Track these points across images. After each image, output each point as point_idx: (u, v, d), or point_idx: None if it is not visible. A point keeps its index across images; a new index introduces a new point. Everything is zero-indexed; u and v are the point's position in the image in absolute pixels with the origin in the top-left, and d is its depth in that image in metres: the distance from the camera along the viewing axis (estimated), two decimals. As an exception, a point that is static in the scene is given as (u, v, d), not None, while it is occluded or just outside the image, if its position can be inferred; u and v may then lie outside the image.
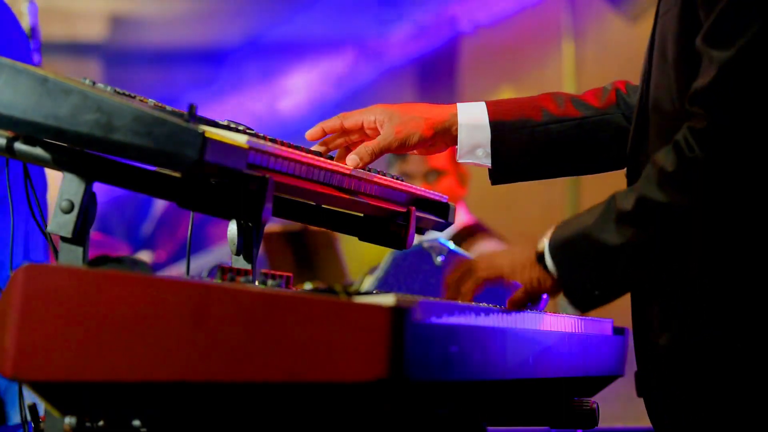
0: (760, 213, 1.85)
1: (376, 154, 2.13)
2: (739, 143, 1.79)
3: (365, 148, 2.13)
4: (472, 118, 2.21)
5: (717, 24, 1.81)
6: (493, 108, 2.22)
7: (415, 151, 2.22)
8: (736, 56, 1.79)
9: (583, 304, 1.90)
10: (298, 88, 8.84)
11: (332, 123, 2.19)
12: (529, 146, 2.21)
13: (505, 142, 2.20)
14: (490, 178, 2.25)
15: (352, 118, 2.18)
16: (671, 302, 1.93)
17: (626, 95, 2.23)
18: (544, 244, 1.90)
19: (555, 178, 2.33)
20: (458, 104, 2.22)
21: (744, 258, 1.88)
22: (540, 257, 1.91)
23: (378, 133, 2.17)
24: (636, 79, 2.30)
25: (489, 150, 2.21)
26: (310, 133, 2.19)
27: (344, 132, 2.19)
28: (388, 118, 2.16)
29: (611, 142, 2.20)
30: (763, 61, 1.78)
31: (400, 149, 2.17)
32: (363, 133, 2.19)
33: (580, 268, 1.87)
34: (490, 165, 2.22)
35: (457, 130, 2.20)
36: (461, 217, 5.02)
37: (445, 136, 2.21)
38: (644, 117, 1.99)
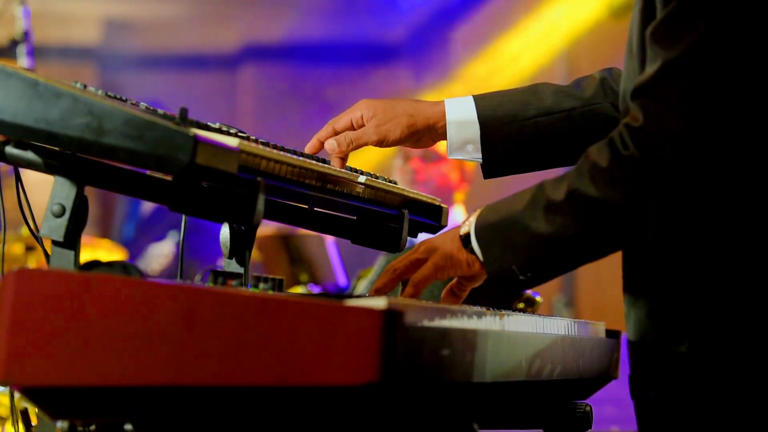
0: (695, 210, 1.85)
1: (353, 146, 2.15)
2: (675, 143, 1.78)
3: (345, 136, 2.15)
4: (460, 115, 2.21)
5: (667, 20, 1.80)
6: (480, 103, 2.22)
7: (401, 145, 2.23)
8: (679, 56, 1.78)
9: (509, 287, 1.91)
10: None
11: (325, 132, 2.21)
12: (518, 140, 2.21)
13: (495, 137, 2.21)
14: (483, 172, 2.26)
15: (341, 121, 2.19)
16: (658, 305, 1.94)
17: (614, 83, 2.23)
18: (470, 226, 1.90)
19: (548, 169, 2.33)
20: (446, 100, 2.23)
21: (693, 257, 1.89)
22: (465, 240, 1.91)
23: None
24: None
25: (479, 145, 2.21)
26: (308, 148, 2.21)
27: (338, 135, 2.20)
28: (372, 114, 2.18)
29: (600, 132, 2.20)
30: (705, 64, 1.77)
31: (379, 145, 2.18)
32: (354, 133, 2.19)
33: (507, 252, 1.88)
34: (481, 160, 2.22)
35: (443, 126, 2.21)
36: (456, 218, 5.02)
37: (431, 133, 2.22)
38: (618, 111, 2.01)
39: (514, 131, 2.21)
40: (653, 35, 1.82)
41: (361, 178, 2.09)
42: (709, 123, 1.78)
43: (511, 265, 1.87)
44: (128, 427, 1.57)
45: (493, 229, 1.89)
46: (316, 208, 2.21)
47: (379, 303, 1.47)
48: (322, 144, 2.20)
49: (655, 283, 1.94)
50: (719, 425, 1.88)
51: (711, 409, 1.88)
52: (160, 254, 7.34)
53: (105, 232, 8.30)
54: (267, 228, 5.46)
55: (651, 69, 1.81)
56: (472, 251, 1.91)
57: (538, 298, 3.17)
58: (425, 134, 2.22)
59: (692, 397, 1.90)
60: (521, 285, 1.90)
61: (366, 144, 2.17)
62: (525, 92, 2.24)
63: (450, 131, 2.21)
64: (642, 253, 1.97)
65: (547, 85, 2.25)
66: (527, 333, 1.95)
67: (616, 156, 1.81)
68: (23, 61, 4.82)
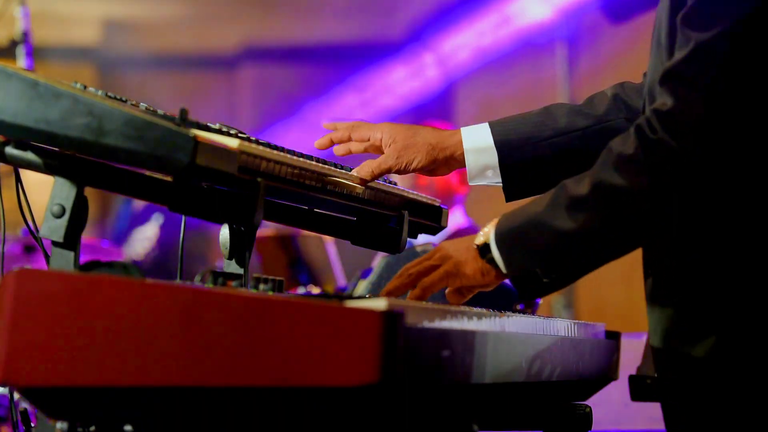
0: (722, 201, 1.83)
1: (376, 175, 2.17)
2: (704, 126, 1.76)
3: (368, 167, 2.17)
4: (477, 142, 2.23)
5: (699, 4, 1.79)
6: (496, 128, 2.24)
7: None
8: (713, 39, 1.77)
9: (530, 293, 1.90)
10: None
11: (340, 135, 2.24)
12: (536, 162, 2.22)
13: (512, 161, 2.22)
14: (505, 195, 2.27)
15: (360, 131, 2.22)
16: (682, 301, 1.92)
17: (627, 97, 2.23)
18: (489, 235, 1.91)
19: None
20: (462, 129, 2.25)
21: (718, 251, 1.87)
22: (482, 250, 1.91)
23: (380, 151, 2.22)
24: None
25: (498, 170, 2.23)
26: (318, 143, 2.23)
27: (351, 141, 2.23)
28: (392, 140, 2.21)
29: None
30: (738, 47, 1.76)
31: (397, 172, 2.21)
32: (368, 146, 2.23)
33: (530, 254, 1.87)
34: (501, 184, 2.24)
35: (462, 155, 2.23)
36: (456, 220, 5.02)
37: (449, 162, 2.24)
38: (645, 106, 1.99)
39: (531, 153, 2.22)
40: (684, 19, 1.81)
41: (362, 180, 2.10)
42: (741, 107, 1.76)
43: (535, 268, 1.86)
44: (128, 427, 1.57)
45: (514, 234, 1.89)
46: (315, 209, 2.21)
47: (379, 304, 1.47)
48: (332, 143, 2.24)
49: (678, 278, 1.92)
50: (747, 424, 1.87)
51: (738, 407, 1.87)
52: (143, 237, 7.31)
53: (101, 233, 8.31)
54: (267, 229, 5.47)
55: (681, 53, 1.79)
56: (489, 260, 1.91)
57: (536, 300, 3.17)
58: (443, 164, 2.24)
59: (719, 396, 1.88)
60: (545, 289, 1.88)
61: (388, 171, 2.20)
62: (539, 114, 2.25)
63: (468, 159, 2.23)
64: (664, 248, 1.95)
65: (561, 105, 2.27)
66: (527, 334, 1.95)
67: (643, 141, 1.79)
68: (23, 61, 4.82)
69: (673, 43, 1.86)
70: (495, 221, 1.92)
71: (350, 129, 2.23)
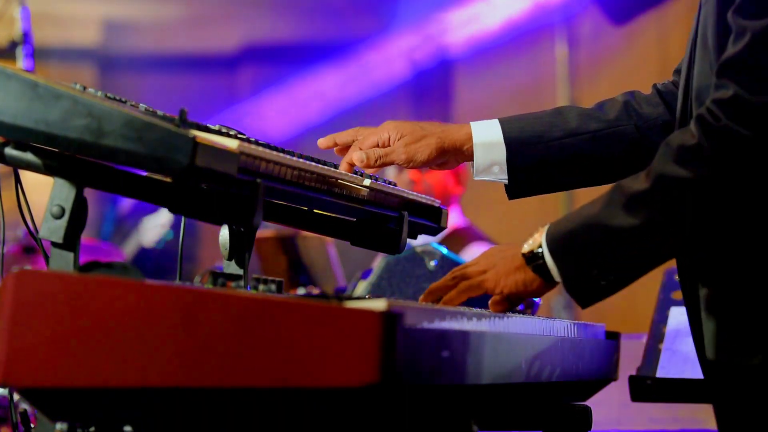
0: None
1: (380, 162, 2.18)
2: None
3: (374, 152, 2.18)
4: (487, 137, 2.23)
5: None
6: (506, 125, 2.24)
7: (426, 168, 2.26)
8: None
9: (587, 297, 1.87)
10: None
11: (345, 138, 2.25)
12: (544, 161, 2.22)
13: (521, 159, 2.22)
14: (507, 193, 2.27)
15: (367, 141, 2.22)
16: (729, 316, 1.89)
17: (637, 105, 2.24)
18: (538, 242, 1.90)
19: (572, 189, 2.35)
20: (472, 123, 2.25)
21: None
22: (530, 258, 1.90)
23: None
24: (630, 88, 2.31)
25: (505, 167, 2.22)
26: (322, 142, 2.23)
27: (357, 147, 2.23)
28: (399, 135, 2.21)
29: (624, 154, 2.21)
30: None
31: (405, 165, 2.22)
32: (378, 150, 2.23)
33: (586, 258, 1.84)
34: (506, 181, 2.24)
35: (470, 149, 2.24)
36: (453, 220, 5.02)
37: (458, 155, 2.25)
38: (686, 109, 1.97)
39: (540, 152, 2.22)
40: (737, 12, 1.79)
41: (366, 182, 2.10)
42: None
43: (592, 270, 1.83)
44: (128, 428, 1.57)
45: (567, 238, 1.86)
46: (315, 210, 2.21)
47: (379, 305, 1.47)
48: (336, 143, 2.24)
49: (723, 290, 1.89)
50: None
51: None
52: (156, 225, 7.27)
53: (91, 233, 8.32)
54: (266, 230, 5.47)
55: (739, 44, 1.77)
56: (536, 269, 1.90)
57: (536, 300, 3.17)
58: (452, 156, 2.25)
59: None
60: (601, 292, 1.85)
61: (393, 162, 2.20)
62: (550, 115, 2.25)
63: (477, 153, 2.23)
64: (708, 260, 1.91)
65: (572, 107, 2.27)
66: (527, 335, 1.95)
67: (706, 130, 1.76)
68: (22, 62, 4.82)
69: (722, 44, 1.84)
70: (542, 229, 1.90)
71: (355, 135, 2.23)
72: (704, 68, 1.92)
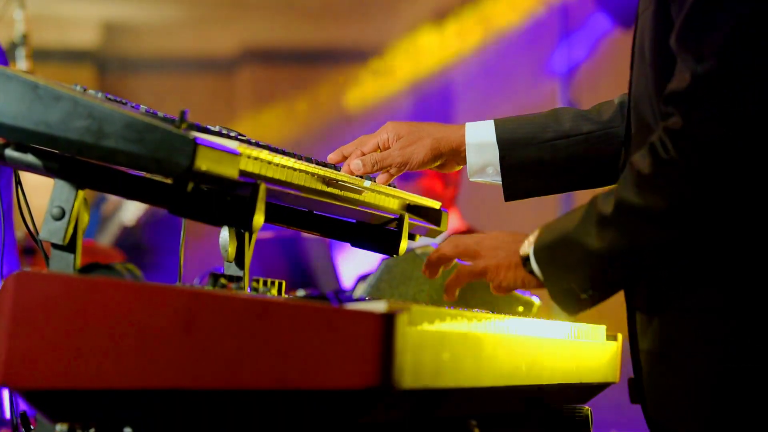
0: (740, 213, 1.80)
1: (377, 167, 2.18)
2: (716, 145, 1.74)
3: (370, 158, 2.19)
4: (480, 138, 2.23)
5: (687, 22, 1.77)
6: (500, 126, 2.23)
7: (425, 169, 2.26)
8: (710, 60, 1.73)
9: (569, 308, 1.90)
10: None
11: (351, 149, 2.24)
12: (536, 163, 2.22)
13: (513, 160, 2.22)
14: (504, 194, 2.26)
15: (368, 144, 2.22)
16: (666, 308, 1.91)
17: None
18: (529, 248, 1.90)
19: (567, 192, 2.34)
20: (467, 124, 2.25)
21: (734, 259, 1.84)
22: (525, 261, 1.91)
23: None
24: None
25: (498, 168, 2.22)
26: (332, 157, 2.24)
27: (363, 155, 2.23)
28: (396, 137, 2.22)
29: (618, 156, 2.20)
30: (736, 62, 1.73)
31: (403, 168, 2.22)
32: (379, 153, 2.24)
33: (565, 272, 1.87)
34: (500, 182, 2.24)
35: (465, 150, 2.22)
36: (452, 222, 5.02)
37: (455, 156, 2.25)
38: (629, 120, 1.99)
39: (532, 154, 2.22)
40: (680, 43, 1.78)
41: (366, 183, 2.10)
42: (750, 125, 1.73)
43: (570, 284, 1.86)
44: (128, 429, 1.57)
45: (549, 250, 1.88)
46: (315, 212, 2.21)
47: (379, 306, 1.47)
48: (344, 156, 2.24)
49: (707, 300, 1.87)
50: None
51: (720, 415, 1.85)
52: (137, 205, 7.23)
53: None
54: (266, 231, 5.46)
55: (683, 75, 1.77)
56: (531, 271, 1.91)
57: (537, 302, 3.17)
58: (449, 158, 2.25)
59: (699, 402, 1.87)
60: (583, 304, 1.88)
61: (390, 166, 2.20)
62: (545, 116, 2.25)
63: (470, 154, 2.23)
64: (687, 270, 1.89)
65: (568, 109, 2.26)
66: (527, 337, 1.95)
67: (657, 161, 1.78)
68: (22, 64, 4.82)
69: (658, 60, 1.84)
70: (537, 232, 1.91)
71: (359, 145, 2.23)
72: (641, 80, 1.92)
